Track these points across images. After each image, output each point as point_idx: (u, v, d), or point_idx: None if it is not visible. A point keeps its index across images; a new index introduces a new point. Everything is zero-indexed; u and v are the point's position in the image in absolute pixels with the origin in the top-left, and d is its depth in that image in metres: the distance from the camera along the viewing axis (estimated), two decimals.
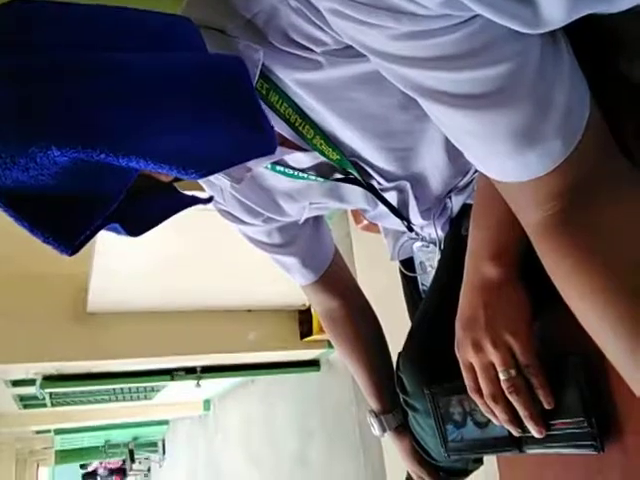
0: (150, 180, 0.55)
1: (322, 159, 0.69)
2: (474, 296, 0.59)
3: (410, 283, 0.94)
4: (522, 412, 0.56)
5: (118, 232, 0.56)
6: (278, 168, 0.71)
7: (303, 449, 4.01)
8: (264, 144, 0.53)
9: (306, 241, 0.87)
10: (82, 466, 9.57)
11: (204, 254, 2.98)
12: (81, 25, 0.45)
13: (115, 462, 9.58)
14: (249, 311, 3.62)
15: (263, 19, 0.53)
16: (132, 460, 9.31)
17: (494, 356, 0.56)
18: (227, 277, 3.26)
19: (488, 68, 0.42)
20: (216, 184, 0.76)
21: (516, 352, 0.56)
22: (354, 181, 0.73)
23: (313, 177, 0.72)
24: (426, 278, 0.88)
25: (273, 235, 0.85)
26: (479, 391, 0.59)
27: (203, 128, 0.47)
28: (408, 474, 0.99)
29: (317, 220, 0.88)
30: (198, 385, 3.91)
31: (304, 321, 3.65)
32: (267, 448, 4.70)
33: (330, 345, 3.71)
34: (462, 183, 0.75)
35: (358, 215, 1.09)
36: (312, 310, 3.53)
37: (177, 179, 0.59)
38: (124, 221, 0.54)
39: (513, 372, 0.56)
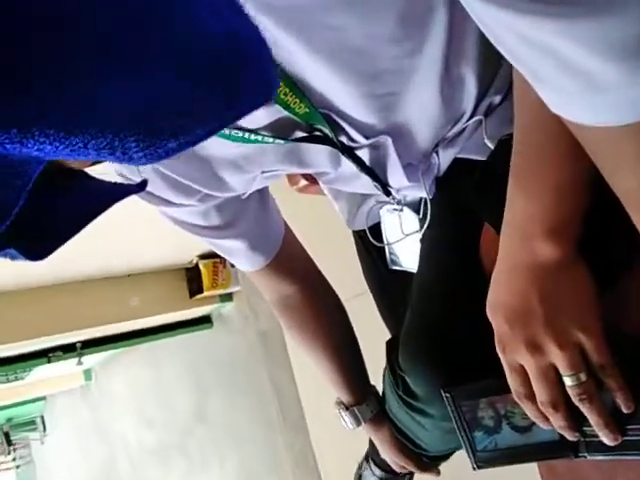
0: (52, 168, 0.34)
1: (283, 114, 0.52)
2: (524, 282, 0.46)
3: (373, 252, 0.80)
4: (594, 420, 0.46)
5: (13, 258, 0.35)
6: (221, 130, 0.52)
7: (200, 406, 3.90)
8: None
9: (252, 219, 0.69)
10: None
11: None
12: None
13: None
14: (129, 276, 3.32)
15: None
16: (9, 443, 8.63)
17: (558, 358, 0.45)
18: (100, 241, 2.92)
19: None
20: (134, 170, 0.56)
21: (588, 351, 0.44)
22: (321, 139, 0.56)
23: (270, 139, 0.54)
24: (396, 247, 0.75)
25: (211, 216, 0.66)
26: (531, 397, 0.48)
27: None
28: (369, 452, 0.90)
29: (262, 192, 0.70)
30: (80, 363, 3.57)
31: (192, 279, 3.42)
32: (161, 410, 4.52)
33: (222, 300, 3.55)
34: (452, 133, 0.61)
35: (293, 175, 0.92)
36: (201, 266, 3.32)
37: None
38: (21, 241, 0.34)
39: (583, 376, 0.45)
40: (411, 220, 0.70)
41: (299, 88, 0.50)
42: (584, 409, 0.45)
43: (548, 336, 0.45)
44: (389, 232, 0.74)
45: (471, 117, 0.59)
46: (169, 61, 0.24)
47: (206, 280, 3.33)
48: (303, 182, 0.89)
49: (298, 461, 2.80)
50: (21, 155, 0.24)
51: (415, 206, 0.69)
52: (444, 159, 0.63)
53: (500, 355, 0.48)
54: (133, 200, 0.59)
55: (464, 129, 0.61)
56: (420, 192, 0.64)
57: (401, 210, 0.70)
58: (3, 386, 5.38)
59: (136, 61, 0.23)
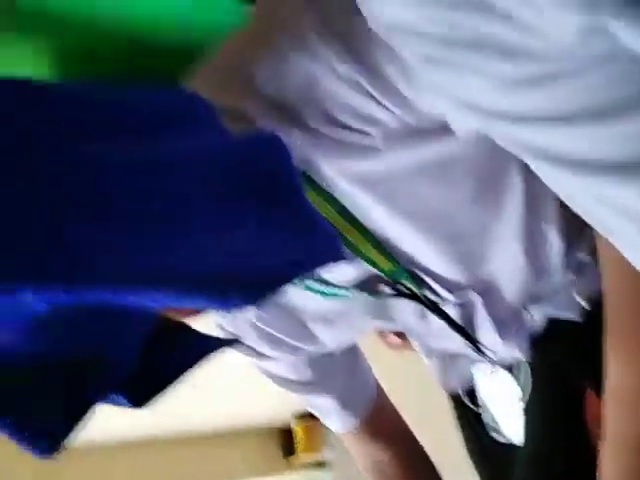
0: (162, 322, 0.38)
1: (369, 270, 0.54)
2: (636, 459, 0.42)
3: (470, 415, 0.76)
4: None
5: (118, 404, 0.38)
6: (311, 285, 0.55)
7: None
8: (324, 249, 0.39)
9: (342, 375, 0.70)
10: None
11: None
12: (70, 109, 0.31)
13: None
14: (218, 435, 3.26)
15: (296, 94, 0.41)
16: None
17: None
18: (187, 397, 2.95)
19: None
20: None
21: None
22: (409, 295, 0.58)
23: (356, 294, 0.57)
24: (492, 413, 0.71)
25: (301, 370, 0.67)
26: None
27: (239, 238, 0.33)
28: None
29: (352, 348, 0.72)
30: None
31: (287, 441, 3.31)
32: None
33: (317, 466, 3.38)
34: (541, 289, 0.60)
35: (383, 330, 0.92)
36: (296, 428, 3.24)
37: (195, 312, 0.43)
38: (129, 388, 0.37)
39: None
40: (507, 383, 0.67)
41: (383, 247, 0.53)
42: None
43: None
44: (485, 395, 0.71)
45: (559, 273, 0.59)
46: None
47: (301, 443, 3.22)
48: (394, 338, 0.89)
49: None
50: (135, 309, 0.28)
51: (510, 366, 0.67)
52: (537, 317, 0.62)
53: None
54: (230, 355, 0.63)
55: (553, 285, 0.60)
56: (514, 352, 0.63)
57: (496, 371, 0.68)
58: None
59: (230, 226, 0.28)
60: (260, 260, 0.32)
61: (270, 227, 0.35)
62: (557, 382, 0.60)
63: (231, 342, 0.45)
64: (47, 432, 0.28)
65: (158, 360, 0.40)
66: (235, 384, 2.46)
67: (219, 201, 0.32)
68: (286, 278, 0.34)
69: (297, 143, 0.42)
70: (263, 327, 0.61)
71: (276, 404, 3.08)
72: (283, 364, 0.66)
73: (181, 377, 0.42)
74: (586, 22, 0.27)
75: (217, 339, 0.44)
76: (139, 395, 0.38)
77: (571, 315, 0.59)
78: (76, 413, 0.29)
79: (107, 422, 2.73)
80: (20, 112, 0.28)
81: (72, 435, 0.30)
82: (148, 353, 0.37)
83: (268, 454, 3.36)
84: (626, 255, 0.37)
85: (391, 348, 0.96)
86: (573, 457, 0.55)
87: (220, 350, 0.43)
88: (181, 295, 0.27)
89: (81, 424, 0.30)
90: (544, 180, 0.38)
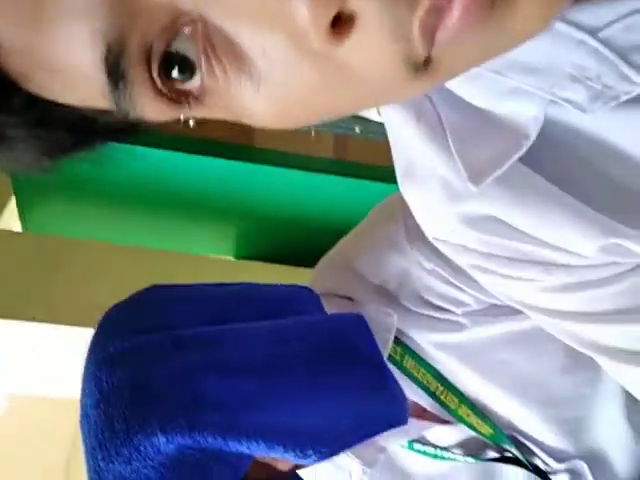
0: (267, 470, 0.46)
1: (470, 434, 0.57)
2: None
3: None
4: None
5: None
6: (417, 447, 0.60)
7: None
8: (393, 413, 0.46)
9: None
10: None
11: None
12: (205, 301, 0.44)
13: None
14: None
15: (394, 283, 0.51)
16: None
17: None
18: None
19: None
20: (344, 467, 0.65)
21: None
22: (513, 461, 0.59)
23: (460, 457, 0.59)
24: None
25: None
26: None
27: (320, 398, 0.41)
28: None
29: None
30: None
31: None
32: None
33: None
34: None
35: None
36: None
37: (298, 466, 0.50)
38: None
39: None
40: None
41: (480, 410, 0.56)
42: None
43: None
44: None
45: None
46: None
47: None
48: None
49: None
50: (231, 454, 0.37)
51: None
52: None
53: None
54: None
55: None
56: None
57: None
58: None
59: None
60: (334, 421, 0.40)
61: (348, 392, 0.43)
62: None
63: None
64: None
65: None
66: None
67: (310, 366, 0.42)
68: (357, 439, 0.42)
69: (395, 319, 0.51)
70: None
71: None
72: None
73: None
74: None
75: None
76: None
77: None
78: None
79: None
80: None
81: None
82: None
83: None
84: None
85: None
86: None
87: None
88: (270, 447, 0.37)
89: None
90: (603, 367, 0.41)
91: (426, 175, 0.33)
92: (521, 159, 0.30)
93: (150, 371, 0.36)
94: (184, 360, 0.37)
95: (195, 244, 1.48)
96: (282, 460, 0.42)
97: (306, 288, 0.50)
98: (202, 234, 1.47)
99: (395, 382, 0.46)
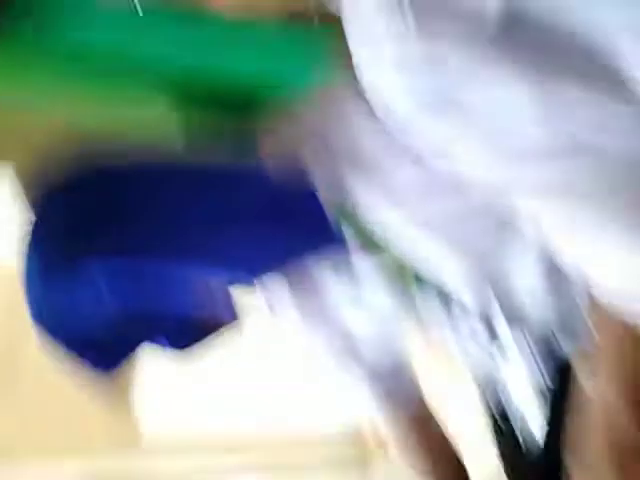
0: None
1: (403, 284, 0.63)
2: None
3: (506, 432, 0.79)
4: None
5: (161, 344, 0.50)
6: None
7: None
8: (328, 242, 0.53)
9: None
10: None
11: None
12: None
13: None
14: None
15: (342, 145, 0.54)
16: None
17: None
18: None
19: None
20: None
21: None
22: (440, 306, 0.64)
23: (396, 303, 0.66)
24: (526, 428, 0.73)
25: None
26: None
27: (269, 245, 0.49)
28: None
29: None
30: None
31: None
32: None
33: None
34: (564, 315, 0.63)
35: None
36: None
37: None
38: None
39: None
40: (535, 393, 0.70)
41: (410, 263, 0.59)
42: None
43: None
44: (517, 405, 0.74)
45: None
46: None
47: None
48: (437, 344, 0.93)
49: None
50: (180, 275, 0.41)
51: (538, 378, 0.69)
52: (562, 341, 0.64)
53: None
54: None
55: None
56: (537, 364, 0.66)
57: (526, 383, 0.71)
58: None
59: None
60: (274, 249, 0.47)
61: (291, 232, 0.49)
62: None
63: None
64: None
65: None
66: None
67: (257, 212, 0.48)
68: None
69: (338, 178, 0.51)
70: None
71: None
72: None
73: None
74: None
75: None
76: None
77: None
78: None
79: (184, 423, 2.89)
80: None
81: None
82: None
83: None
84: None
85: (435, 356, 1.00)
86: None
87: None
88: (214, 270, 0.43)
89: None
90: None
91: None
92: None
93: (86, 206, 0.38)
94: (122, 194, 0.38)
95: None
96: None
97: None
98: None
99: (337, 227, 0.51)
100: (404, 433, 0.78)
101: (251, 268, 0.49)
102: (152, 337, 0.47)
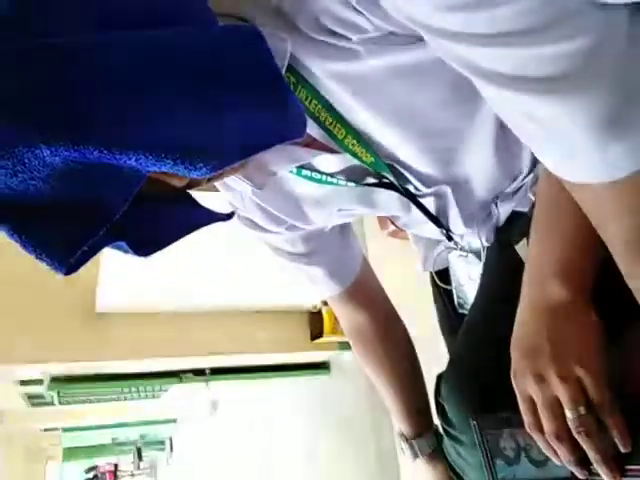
0: (162, 187, 0.47)
1: (353, 162, 0.62)
2: (537, 321, 0.51)
3: (444, 296, 0.87)
4: (592, 455, 0.49)
5: (125, 251, 0.49)
6: (304, 172, 0.64)
7: (311, 449, 3.97)
8: (288, 127, 0.46)
9: (332, 250, 0.80)
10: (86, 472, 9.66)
11: (214, 255, 2.92)
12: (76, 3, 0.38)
13: (109, 466, 9.68)
14: (258, 312, 3.57)
15: (291, 3, 0.47)
16: (140, 458, 9.32)
17: (560, 391, 0.49)
18: (236, 278, 3.21)
19: (562, 43, 0.35)
20: (236, 189, 0.69)
21: (587, 388, 0.48)
22: (389, 186, 0.66)
23: (343, 182, 0.65)
24: (463, 291, 0.81)
25: (297, 244, 0.78)
26: (539, 428, 0.52)
27: (210, 113, 0.40)
28: None
29: (343, 227, 0.82)
30: (207, 386, 3.85)
31: (315, 323, 3.58)
32: (274, 447, 4.65)
33: (341, 347, 3.65)
34: (510, 189, 0.67)
35: (384, 219, 1.02)
36: (323, 312, 3.48)
37: (192, 184, 0.52)
38: (131, 238, 0.47)
39: (583, 410, 0.48)
40: (476, 266, 0.76)
41: (365, 140, 0.60)
42: (583, 443, 0.49)
43: (552, 370, 0.49)
44: (457, 277, 0.80)
45: (527, 175, 0.66)
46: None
47: (327, 325, 3.46)
48: (392, 227, 0.99)
49: None
50: (129, 166, 0.38)
51: (479, 253, 0.76)
52: (502, 211, 0.69)
53: (514, 386, 0.53)
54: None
55: (522, 186, 0.67)
56: (480, 239, 0.71)
57: (466, 256, 0.77)
58: (141, 402, 5.93)
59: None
60: (227, 133, 0.41)
61: (244, 106, 0.42)
62: (510, 265, 0.69)
63: (226, 217, 0.55)
64: (61, 254, 0.38)
65: (160, 218, 0.51)
66: (272, 269, 2.66)
67: (200, 82, 0.40)
68: (250, 150, 0.43)
69: (289, 44, 0.49)
70: (265, 206, 0.71)
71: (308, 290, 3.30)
72: (283, 238, 0.77)
73: (181, 237, 0.52)
74: None
75: (216, 213, 0.54)
76: (144, 245, 0.49)
77: (525, 208, 0.66)
78: (85, 245, 0.39)
79: (144, 293, 2.99)
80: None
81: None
82: (149, 209, 0.48)
83: (296, 334, 3.64)
84: (540, 158, 0.45)
85: (390, 235, 1.06)
86: (504, 328, 0.64)
87: (216, 222, 0.54)
88: (159, 161, 0.37)
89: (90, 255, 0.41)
90: (481, 92, 0.44)
91: None
92: None
93: (23, 82, 0.34)
94: (62, 71, 0.34)
95: None
96: (176, 176, 0.43)
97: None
98: None
99: (292, 96, 0.46)
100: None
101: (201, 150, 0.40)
102: (110, 239, 0.43)
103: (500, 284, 0.68)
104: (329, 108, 0.55)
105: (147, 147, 0.36)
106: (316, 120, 0.56)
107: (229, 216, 0.55)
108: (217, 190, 0.72)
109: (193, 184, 0.50)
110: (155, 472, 10.02)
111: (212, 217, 0.54)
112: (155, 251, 0.51)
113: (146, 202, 0.45)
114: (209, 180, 0.52)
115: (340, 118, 0.56)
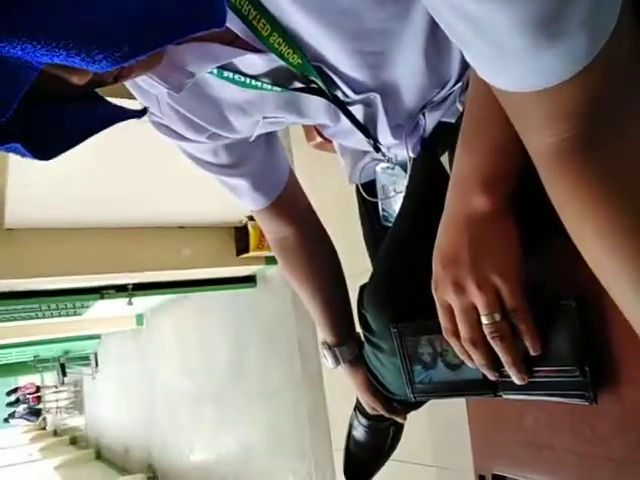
0: (63, 85, 0.41)
1: (280, 63, 0.58)
2: (458, 230, 0.51)
3: (369, 208, 0.86)
4: (504, 358, 0.51)
5: (22, 154, 0.43)
6: (226, 74, 0.59)
7: (238, 361, 4.08)
8: (204, 10, 0.39)
9: (257, 161, 0.76)
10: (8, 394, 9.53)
11: (134, 166, 2.78)
12: None
13: (30, 386, 9.60)
14: (182, 227, 3.51)
15: None
16: (64, 374, 9.29)
17: (477, 298, 0.50)
18: (159, 192, 3.10)
19: None
20: (151, 92, 0.63)
21: (503, 295, 0.50)
22: (317, 91, 0.62)
23: (268, 86, 0.61)
24: (388, 204, 0.81)
25: (220, 154, 0.73)
26: (456, 334, 0.54)
27: None
28: (357, 402, 0.97)
29: (270, 137, 0.78)
30: (130, 303, 3.80)
31: (241, 238, 3.57)
32: (202, 361, 4.75)
33: (267, 262, 3.69)
34: (439, 97, 0.66)
35: (311, 131, 0.98)
36: (249, 227, 3.46)
37: (96, 83, 0.46)
38: (29, 140, 0.42)
39: (497, 316, 0.50)
40: (402, 178, 0.76)
41: (292, 40, 0.55)
42: (496, 348, 0.51)
43: (470, 278, 0.50)
44: (382, 189, 0.80)
45: (456, 83, 0.64)
46: None
47: (253, 241, 3.46)
48: (318, 139, 0.96)
49: (311, 414, 2.95)
50: (16, 58, 0.32)
51: (405, 165, 0.75)
52: (429, 121, 0.68)
53: (433, 294, 0.54)
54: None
55: (450, 94, 0.65)
56: (406, 150, 0.70)
57: (393, 168, 0.76)
58: (62, 319, 5.81)
59: None
60: (129, 14, 0.35)
61: None
62: (435, 175, 0.68)
63: (137, 114, 0.49)
64: None
65: (63, 116, 0.45)
66: (197, 184, 2.58)
67: None
68: (159, 39, 0.38)
69: None
70: (184, 112, 0.66)
71: (234, 205, 3.25)
72: (204, 147, 0.72)
73: (86, 137, 0.47)
74: None
75: (126, 109, 0.48)
76: (43, 147, 0.44)
77: (451, 119, 0.65)
78: None
79: (61, 208, 2.86)
80: None
81: None
82: (49, 107, 0.42)
83: (222, 249, 3.63)
84: (470, 61, 0.43)
85: (316, 147, 1.03)
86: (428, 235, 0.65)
87: (126, 119, 0.49)
88: (51, 50, 0.32)
89: None
90: None
91: None
92: None
93: None
94: None
95: None
96: (75, 71, 0.37)
97: None
98: None
99: None
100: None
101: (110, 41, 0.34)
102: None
103: (425, 195, 0.68)
104: (252, 0, 0.50)
105: (34, 33, 0.31)
106: (237, 13, 0.51)
107: (142, 112, 0.50)
108: (132, 97, 0.66)
109: (97, 83, 0.45)
110: (82, 387, 10.05)
111: (121, 114, 0.48)
112: (57, 154, 0.45)
113: (51, 102, 0.40)
114: (116, 79, 0.46)
115: (265, 12, 0.51)
